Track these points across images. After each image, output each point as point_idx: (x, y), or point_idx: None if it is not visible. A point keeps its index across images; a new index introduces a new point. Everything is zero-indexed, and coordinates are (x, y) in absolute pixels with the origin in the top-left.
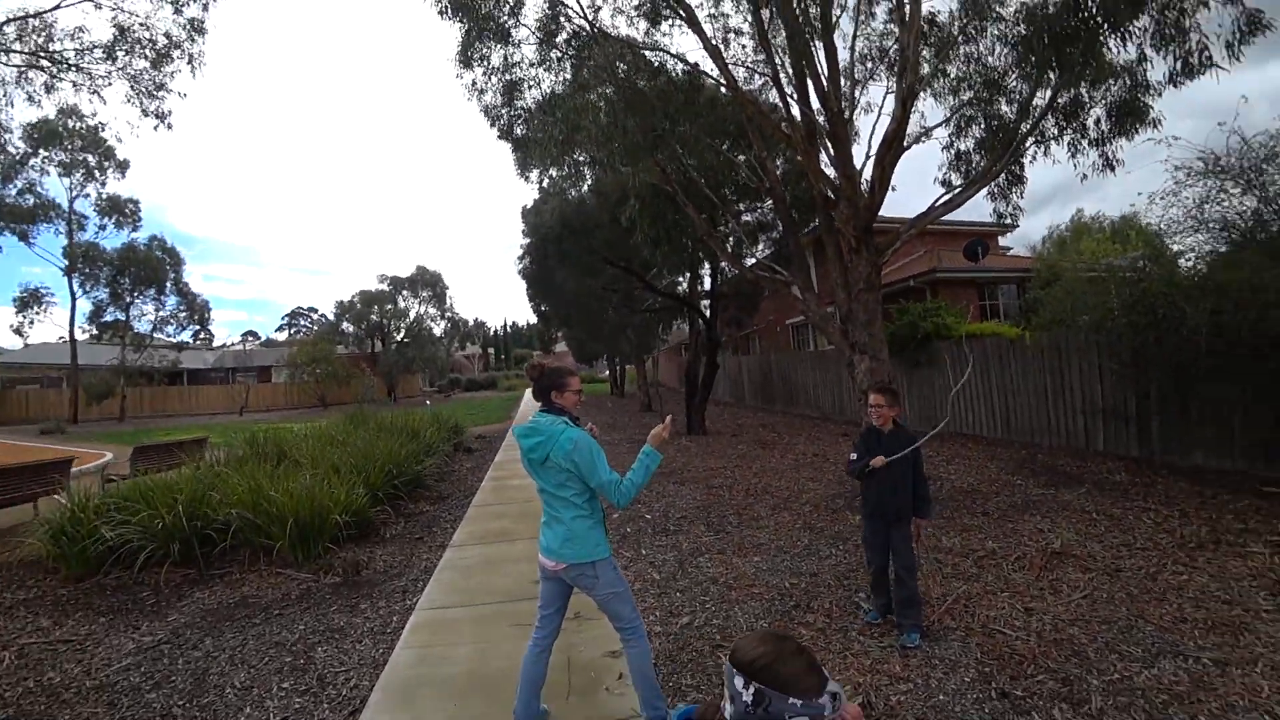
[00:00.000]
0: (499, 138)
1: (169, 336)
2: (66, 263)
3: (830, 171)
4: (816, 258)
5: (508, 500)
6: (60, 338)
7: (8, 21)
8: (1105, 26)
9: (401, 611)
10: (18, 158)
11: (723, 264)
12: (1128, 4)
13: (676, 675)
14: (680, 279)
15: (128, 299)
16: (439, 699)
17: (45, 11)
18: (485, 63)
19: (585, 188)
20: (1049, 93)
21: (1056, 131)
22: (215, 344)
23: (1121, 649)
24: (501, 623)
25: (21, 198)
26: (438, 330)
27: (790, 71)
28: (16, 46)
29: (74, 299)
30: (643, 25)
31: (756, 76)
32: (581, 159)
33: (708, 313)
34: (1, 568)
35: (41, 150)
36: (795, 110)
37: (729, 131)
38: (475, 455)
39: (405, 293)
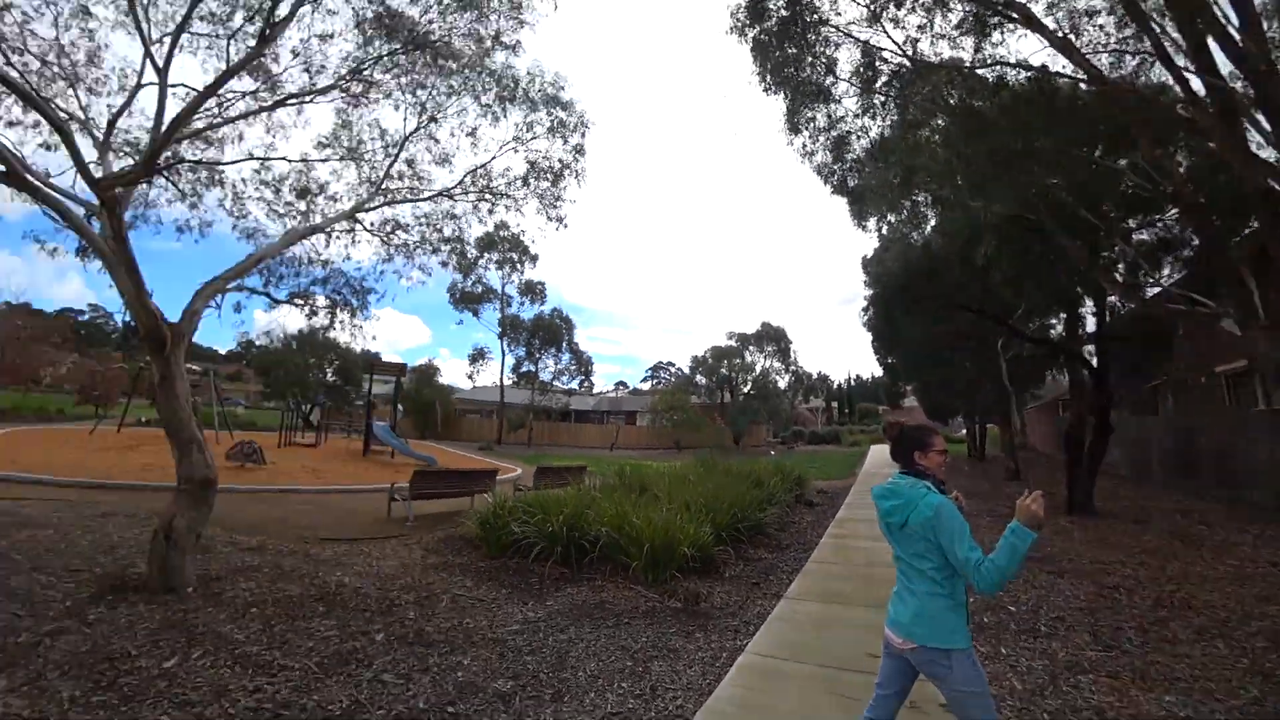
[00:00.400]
0: (833, 193)
1: (562, 384)
2: (500, 329)
3: (1269, 153)
4: (1259, 276)
5: (847, 561)
6: (493, 382)
7: (468, 173)
8: None
9: (731, 650)
10: (471, 261)
11: (1112, 298)
12: None
13: None
14: (1054, 320)
15: (537, 355)
16: None
17: (487, 162)
18: (811, 125)
19: (929, 229)
20: None
21: None
22: (595, 391)
23: None
24: (827, 689)
25: (473, 287)
26: (782, 383)
27: (1178, 36)
28: (472, 188)
29: (503, 355)
30: (969, 43)
31: (1127, 59)
32: (921, 199)
33: (1094, 361)
34: (450, 539)
35: (485, 254)
36: (1196, 84)
37: (1098, 135)
38: (816, 510)
39: (751, 348)
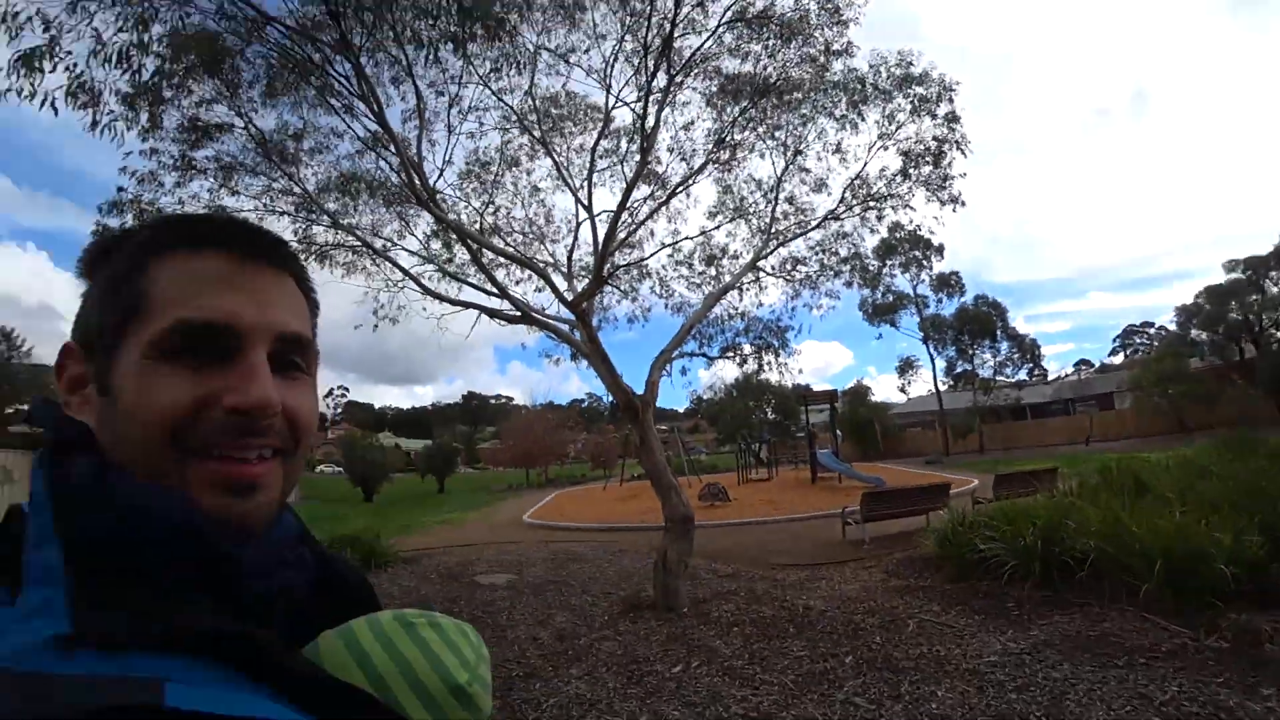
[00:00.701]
0: None
1: (1008, 377)
2: (921, 334)
3: None
4: None
5: None
6: (928, 390)
7: (845, 188)
8: None
9: None
10: (875, 273)
11: None
12: None
13: None
14: None
15: (969, 351)
16: None
17: (860, 171)
18: None
19: None
20: None
21: None
22: (1050, 378)
23: None
24: None
25: (883, 297)
26: None
27: None
28: (854, 201)
29: (932, 359)
30: None
31: None
32: None
33: None
34: (910, 561)
35: (886, 261)
36: None
37: None
38: None
39: (1275, 274)
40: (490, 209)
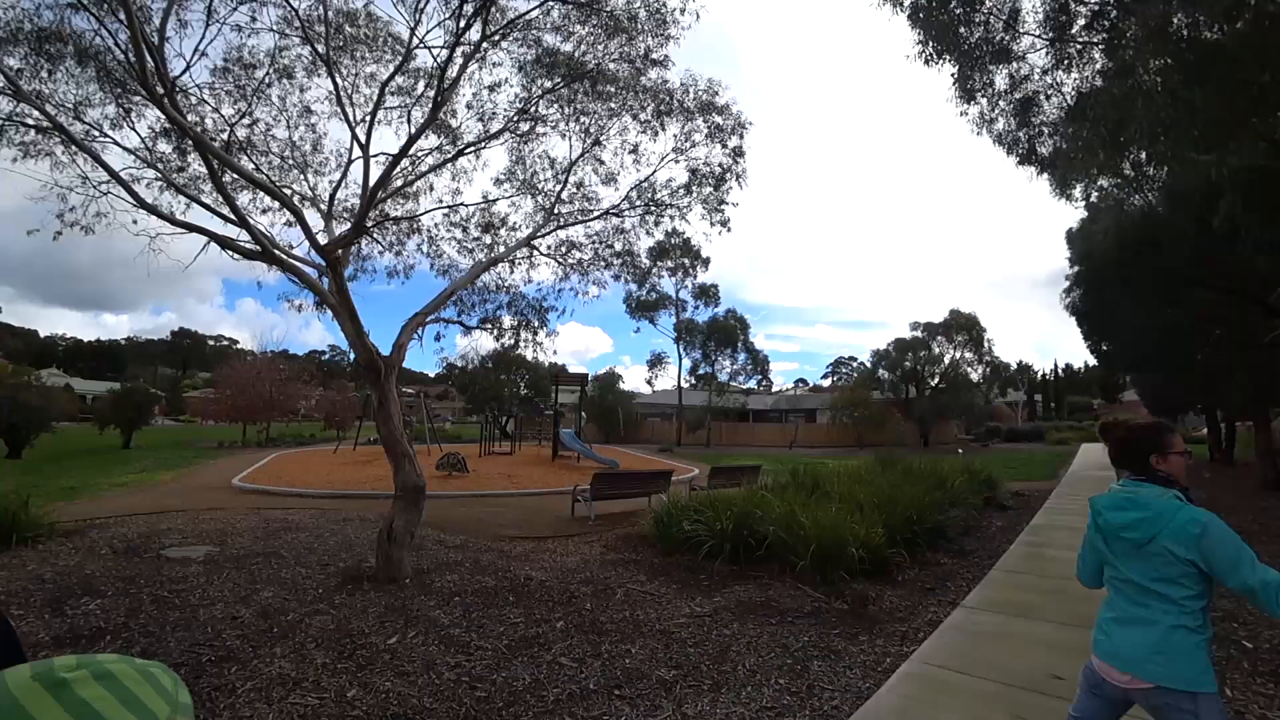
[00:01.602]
0: (1019, 163)
1: (740, 384)
2: (675, 334)
3: None
4: None
5: (1039, 572)
6: (672, 385)
7: (633, 188)
8: None
9: (896, 656)
10: (644, 271)
11: None
12: None
13: None
14: None
15: (713, 357)
16: None
17: (649, 175)
18: (989, 90)
19: (1153, 194)
20: None
21: None
22: (773, 390)
23: None
24: (1000, 708)
25: (648, 295)
26: (974, 375)
27: None
28: (638, 201)
29: (680, 358)
30: None
31: None
32: (1135, 159)
33: None
34: (628, 537)
35: (657, 263)
36: None
37: None
38: (1009, 514)
39: (939, 338)
40: (245, 121)
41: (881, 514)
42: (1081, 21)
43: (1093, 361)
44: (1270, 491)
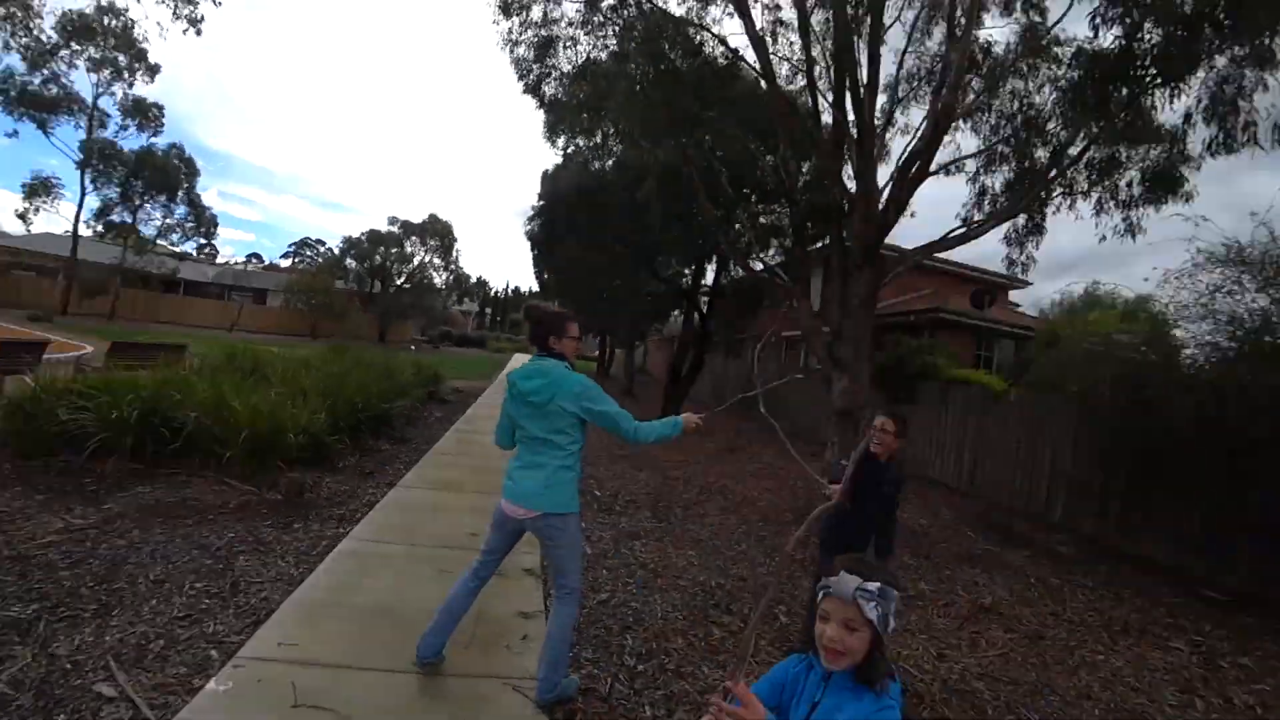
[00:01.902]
0: (524, 91)
1: (172, 245)
2: (81, 157)
3: (853, 186)
4: (826, 276)
5: (468, 453)
6: (65, 230)
7: None
8: (1157, 78)
9: (332, 538)
10: (48, 46)
11: (730, 262)
12: (1181, 59)
13: (579, 648)
14: (685, 271)
15: (137, 202)
16: (343, 622)
17: None
18: (524, 14)
19: (610, 163)
20: (1086, 143)
21: (1086, 185)
22: (219, 260)
23: (1020, 712)
24: (428, 566)
25: (45, 86)
26: (439, 281)
27: (831, 76)
28: None
29: (84, 194)
30: (693, 3)
31: (799, 77)
32: (611, 131)
33: (704, 308)
34: None
35: (73, 43)
36: (828, 116)
37: (760, 128)
38: (448, 406)
39: (414, 239)
40: None
41: (326, 401)
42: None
43: (536, 287)
44: (624, 396)
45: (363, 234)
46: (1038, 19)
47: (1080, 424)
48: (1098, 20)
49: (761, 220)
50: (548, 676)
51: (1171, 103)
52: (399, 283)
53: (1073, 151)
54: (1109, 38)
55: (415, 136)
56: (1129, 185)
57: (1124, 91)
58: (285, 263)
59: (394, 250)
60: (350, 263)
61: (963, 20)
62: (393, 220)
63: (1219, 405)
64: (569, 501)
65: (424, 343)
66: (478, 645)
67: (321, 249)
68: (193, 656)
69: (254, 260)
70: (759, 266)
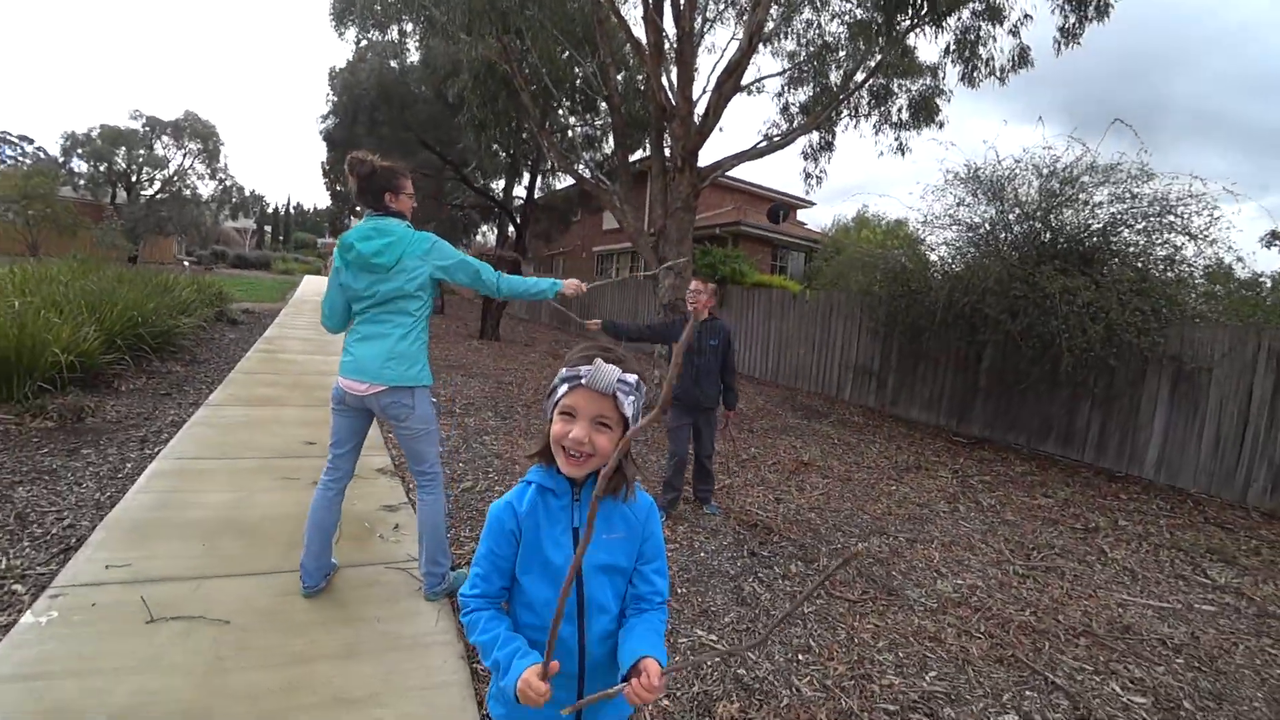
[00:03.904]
0: None
1: None
2: None
3: (673, 96)
4: (639, 186)
5: (279, 371)
6: None
7: None
8: (927, 19)
9: (138, 459)
10: None
11: (545, 174)
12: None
13: (455, 530)
14: (497, 183)
15: None
16: (182, 539)
17: None
18: None
19: (413, 60)
20: (866, 76)
21: (868, 110)
22: None
23: (845, 529)
24: (265, 476)
25: None
26: (204, 191)
27: None
28: None
29: None
30: None
31: None
32: (410, 28)
33: (519, 220)
34: None
35: None
36: (640, 31)
37: (577, 34)
38: (242, 328)
39: (166, 139)
40: None
41: (94, 315)
42: None
43: (327, 202)
44: (435, 314)
45: (93, 129)
46: None
47: (863, 318)
48: None
49: (578, 128)
50: (431, 571)
51: (936, 40)
52: (152, 192)
53: (858, 78)
54: None
55: (168, 17)
56: (899, 111)
57: (901, 26)
58: None
59: (140, 152)
60: (78, 164)
61: None
62: (136, 115)
63: (963, 292)
64: (419, 374)
65: (194, 264)
66: (349, 540)
67: (31, 146)
68: None
69: None
70: (586, 173)
